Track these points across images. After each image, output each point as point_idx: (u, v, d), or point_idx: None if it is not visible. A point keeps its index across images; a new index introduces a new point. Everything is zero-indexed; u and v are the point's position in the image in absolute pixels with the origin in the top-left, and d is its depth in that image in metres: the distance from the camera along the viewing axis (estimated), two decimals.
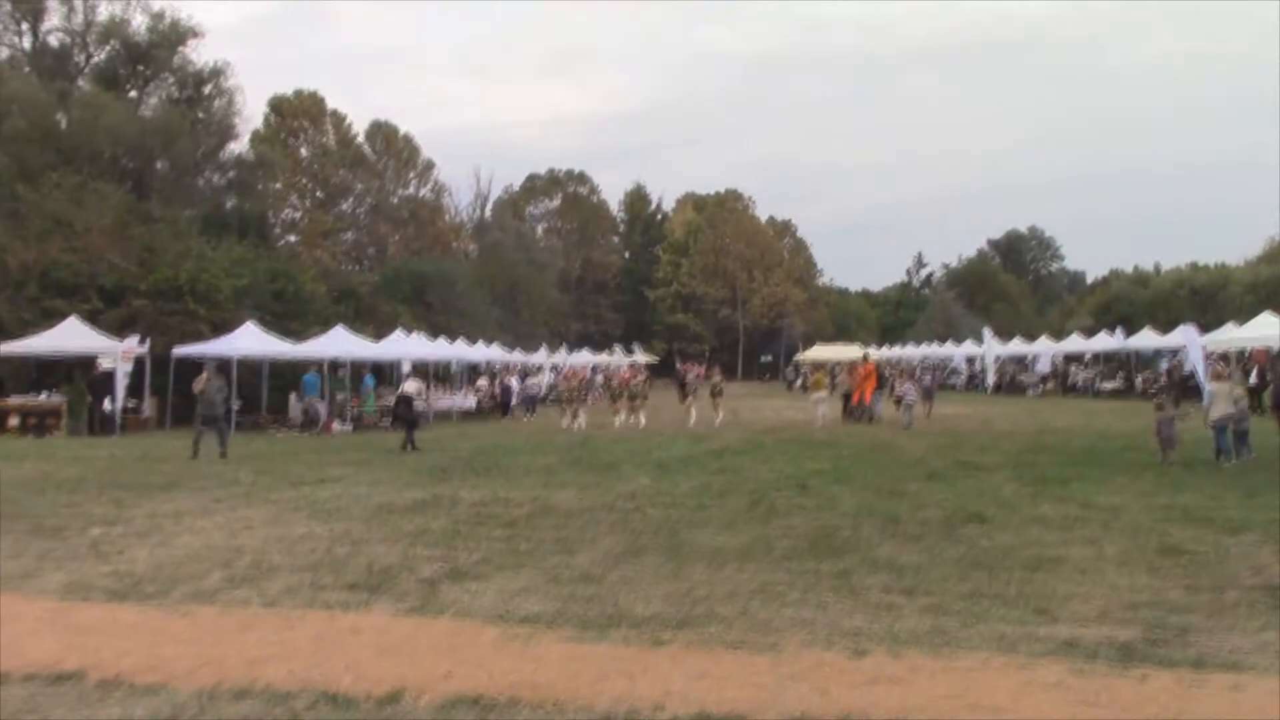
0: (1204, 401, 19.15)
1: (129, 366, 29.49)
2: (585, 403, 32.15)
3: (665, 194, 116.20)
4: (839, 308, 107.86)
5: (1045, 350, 56.74)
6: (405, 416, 24.26)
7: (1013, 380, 57.08)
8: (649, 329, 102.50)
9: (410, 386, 25.63)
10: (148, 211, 40.93)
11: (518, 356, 53.96)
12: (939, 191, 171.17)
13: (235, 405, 30.71)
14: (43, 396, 29.35)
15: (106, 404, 29.12)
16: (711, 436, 26.05)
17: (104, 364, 29.28)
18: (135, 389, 30.89)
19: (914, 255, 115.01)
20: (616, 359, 75.93)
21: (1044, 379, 54.38)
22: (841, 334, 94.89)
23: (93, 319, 31.57)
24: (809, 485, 15.29)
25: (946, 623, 7.35)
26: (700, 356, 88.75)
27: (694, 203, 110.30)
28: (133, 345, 30.14)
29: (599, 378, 35.14)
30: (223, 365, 26.70)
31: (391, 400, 35.93)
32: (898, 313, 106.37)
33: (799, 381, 59.87)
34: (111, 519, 12.49)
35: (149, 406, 31.25)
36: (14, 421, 28.02)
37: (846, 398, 32.78)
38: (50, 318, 31.18)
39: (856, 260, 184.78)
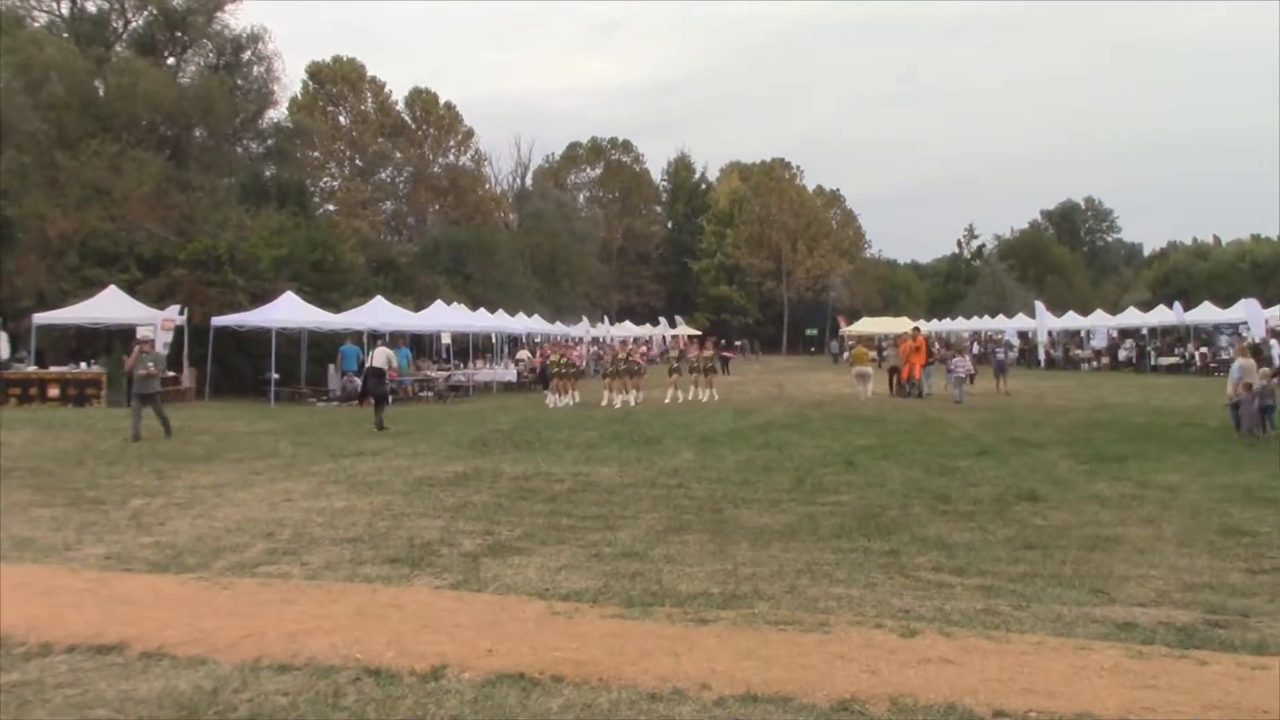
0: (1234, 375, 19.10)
1: (168, 337, 29.77)
2: (640, 375, 31.04)
3: (709, 163, 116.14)
4: (887, 280, 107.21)
5: (1100, 324, 56.16)
6: (375, 392, 22.68)
7: (1066, 355, 56.51)
8: (692, 301, 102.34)
9: (380, 357, 23.68)
10: (186, 180, 41.32)
11: (558, 328, 54.09)
12: (991, 161, 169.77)
13: (274, 376, 31.07)
14: (82, 366, 29.72)
15: None
16: (756, 412, 25.99)
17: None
18: (174, 359, 31.21)
19: (965, 226, 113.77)
20: (660, 331, 75.83)
21: (1098, 353, 53.82)
22: (889, 307, 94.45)
23: (131, 289, 31.93)
24: (856, 462, 15.22)
25: (999, 603, 7.30)
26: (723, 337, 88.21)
27: (739, 172, 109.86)
28: (172, 315, 30.45)
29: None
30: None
31: (433, 373, 36.32)
32: (947, 285, 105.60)
33: (845, 355, 59.58)
34: (152, 490, 12.66)
35: (188, 377, 31.57)
36: (54, 392, 28.39)
37: (895, 372, 32.62)
38: (89, 287, 31.57)
39: (906, 231, 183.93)
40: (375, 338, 34.16)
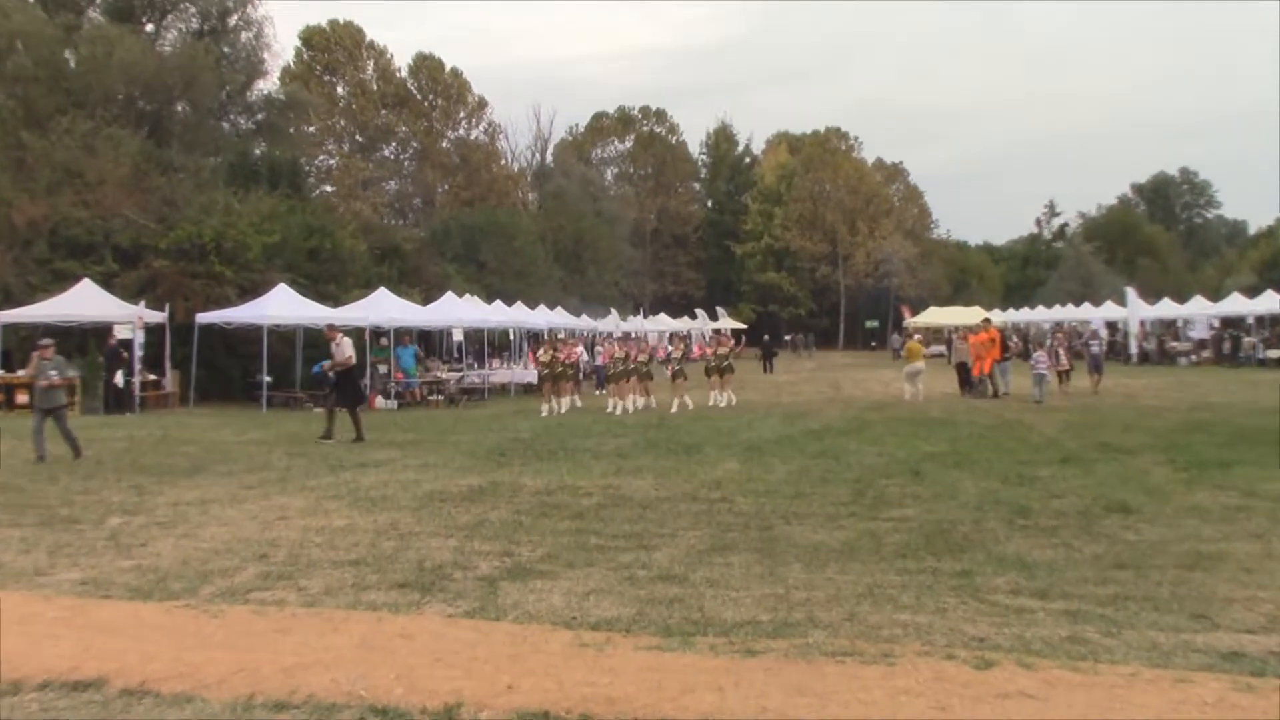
0: None
1: (142, 335, 29.92)
2: (647, 378, 30.29)
3: (754, 134, 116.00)
4: (956, 264, 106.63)
5: (1200, 313, 55.69)
6: (349, 392, 21.86)
7: (1161, 348, 56.07)
8: (735, 290, 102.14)
9: (349, 349, 22.05)
10: (167, 160, 41.60)
11: (584, 322, 54.10)
12: (1075, 130, 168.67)
13: (266, 379, 31.20)
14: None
15: (119, 378, 29.53)
16: (809, 415, 25.94)
17: (120, 333, 29.77)
18: (155, 361, 31.42)
19: (1045, 203, 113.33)
20: (699, 325, 75.68)
21: (1198, 346, 53.36)
22: (959, 294, 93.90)
23: (107, 282, 32.17)
24: (923, 471, 15.19)
25: (1086, 630, 7.25)
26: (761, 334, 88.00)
27: (788, 143, 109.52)
28: (151, 311, 30.63)
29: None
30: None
31: (444, 374, 36.43)
32: (1025, 270, 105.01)
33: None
34: (132, 508, 12.77)
35: (170, 381, 31.79)
36: (23, 399, 28.55)
37: (963, 369, 32.42)
38: (61, 281, 31.81)
39: (978, 209, 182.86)
40: (379, 335, 34.33)
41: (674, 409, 28.03)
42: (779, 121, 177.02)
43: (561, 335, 44.25)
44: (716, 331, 58.17)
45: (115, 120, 41.54)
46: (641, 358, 30.13)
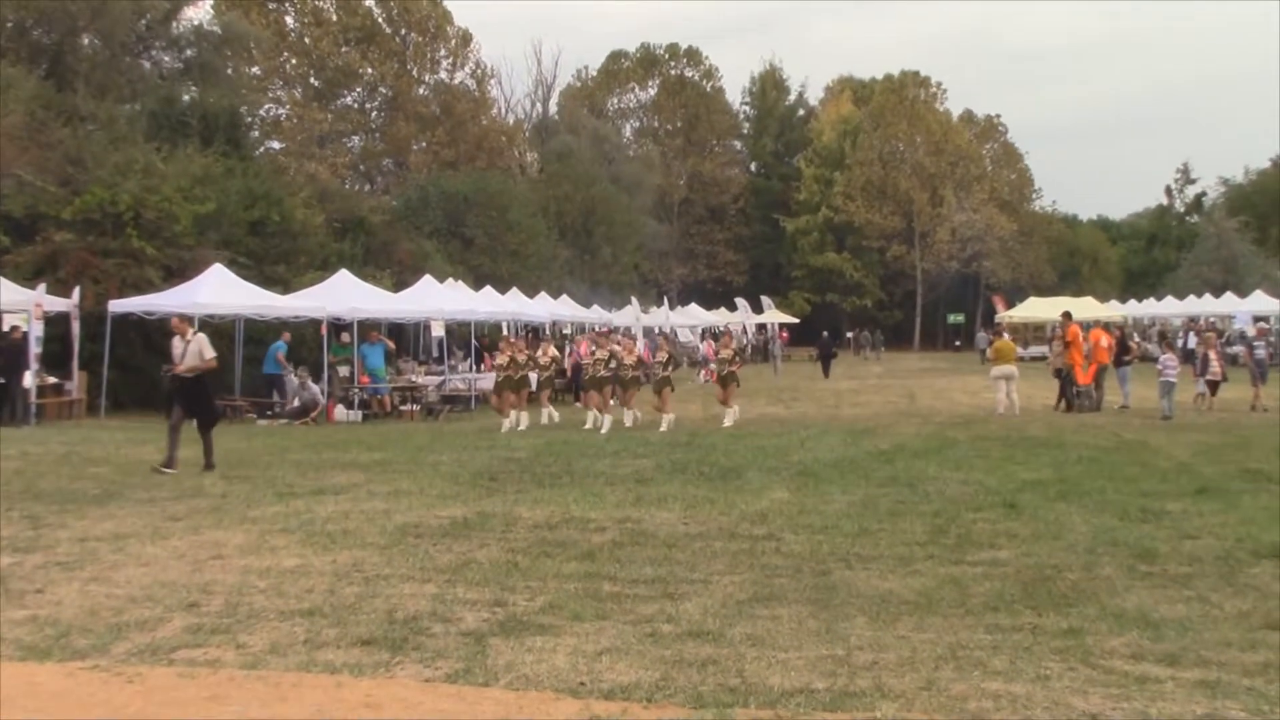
0: None
1: (42, 328, 29.93)
2: (634, 385, 29.83)
3: (809, 79, 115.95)
4: (1064, 244, 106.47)
5: None
6: (203, 405, 20.86)
7: None
8: (785, 275, 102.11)
9: (195, 354, 20.49)
10: (71, 106, 41.59)
11: (596, 314, 54.10)
12: (1216, 75, 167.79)
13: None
14: None
15: (28, 379, 29.23)
16: (877, 432, 25.93)
17: (13, 324, 29.58)
18: (57, 360, 31.34)
19: (1178, 167, 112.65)
20: (741, 318, 75.54)
21: None
22: (1067, 282, 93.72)
23: None
24: (1020, 503, 15.18)
25: (1228, 707, 7.24)
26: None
27: (852, 91, 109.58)
28: (53, 297, 30.59)
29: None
30: None
31: (420, 378, 36.44)
32: (1150, 252, 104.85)
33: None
34: (25, 544, 12.78)
35: (77, 385, 31.70)
36: None
37: (1063, 377, 32.17)
38: None
39: (1092, 176, 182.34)
40: (339, 329, 34.34)
41: (727, 421, 28.47)
42: (841, 64, 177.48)
43: (548, 333, 43.96)
44: (725, 330, 57.27)
45: (4, 56, 41.54)
46: (629, 359, 29.65)
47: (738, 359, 30.71)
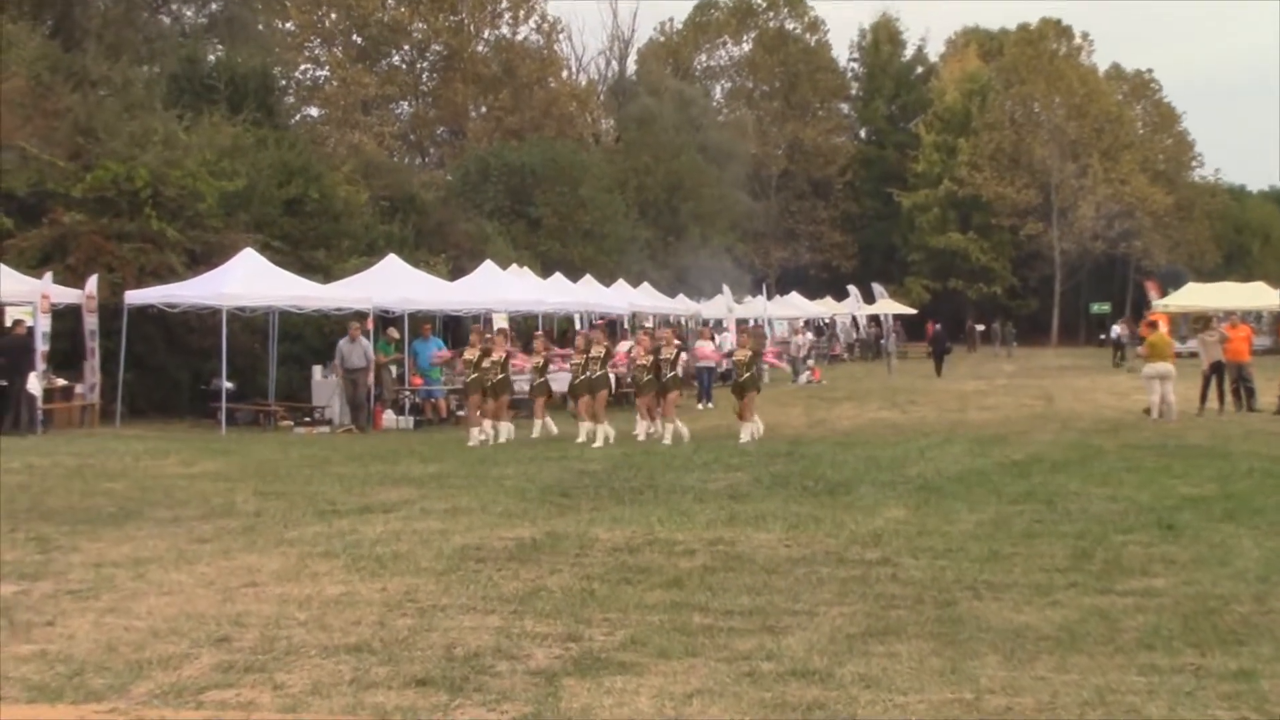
0: None
1: (49, 322, 30.14)
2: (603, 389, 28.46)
3: (931, 31, 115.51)
4: (1231, 220, 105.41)
5: None
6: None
7: None
8: (901, 259, 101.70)
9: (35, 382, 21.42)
10: (81, 68, 41.81)
11: (681, 304, 54.03)
12: None
13: (226, 385, 31.14)
14: None
15: (33, 382, 29.11)
16: (1009, 440, 25.76)
17: (16, 319, 29.54)
18: (68, 359, 31.47)
19: None
20: (850, 307, 75.15)
21: None
22: (1234, 265, 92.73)
23: None
24: (1179, 524, 15.00)
25: None
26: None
27: (979, 44, 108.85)
28: (61, 287, 30.76)
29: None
30: None
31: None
32: None
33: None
34: (33, 570, 12.84)
35: (91, 387, 31.68)
36: None
37: (1214, 373, 31.83)
38: None
39: (1264, 141, 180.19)
40: (387, 324, 34.29)
41: (744, 437, 27.14)
42: (967, 12, 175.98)
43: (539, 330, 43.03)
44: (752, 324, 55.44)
45: (3, 10, 41.86)
46: (642, 361, 28.29)
47: (758, 362, 29.48)
